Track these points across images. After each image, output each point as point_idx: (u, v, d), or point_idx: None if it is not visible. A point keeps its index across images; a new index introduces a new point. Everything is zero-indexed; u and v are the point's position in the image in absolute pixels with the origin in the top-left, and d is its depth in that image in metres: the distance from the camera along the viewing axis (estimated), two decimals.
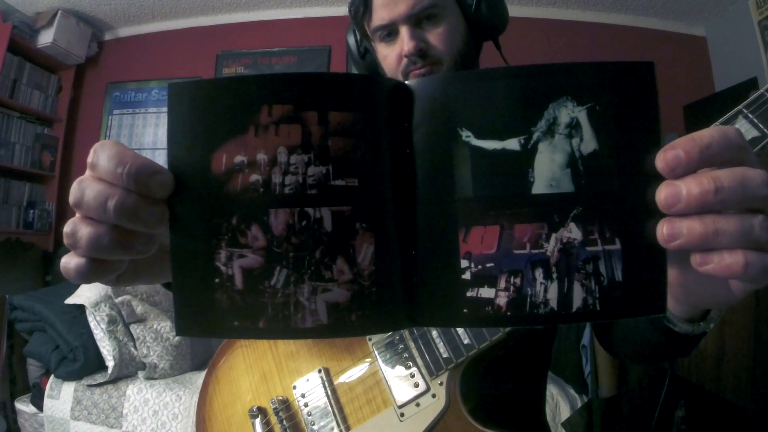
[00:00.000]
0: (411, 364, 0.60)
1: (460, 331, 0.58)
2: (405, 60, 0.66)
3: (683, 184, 0.25)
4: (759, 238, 0.25)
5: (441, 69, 0.68)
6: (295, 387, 0.65)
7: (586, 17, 2.78)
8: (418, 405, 0.58)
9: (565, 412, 1.80)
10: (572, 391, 1.89)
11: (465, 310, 0.27)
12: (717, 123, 0.44)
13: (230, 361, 0.70)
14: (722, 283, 0.28)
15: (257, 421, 0.63)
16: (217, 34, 2.94)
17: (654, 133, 0.26)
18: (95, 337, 1.92)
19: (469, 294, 0.26)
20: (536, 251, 0.26)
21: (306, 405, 0.63)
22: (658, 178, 0.25)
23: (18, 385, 2.11)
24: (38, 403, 1.95)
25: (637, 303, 0.26)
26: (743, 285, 0.28)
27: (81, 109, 3.04)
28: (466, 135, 0.27)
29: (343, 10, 2.85)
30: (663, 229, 0.25)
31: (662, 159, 0.25)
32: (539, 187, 0.26)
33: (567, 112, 0.26)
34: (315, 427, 0.62)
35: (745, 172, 0.25)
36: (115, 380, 1.91)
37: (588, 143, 0.26)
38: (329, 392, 0.62)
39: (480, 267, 0.26)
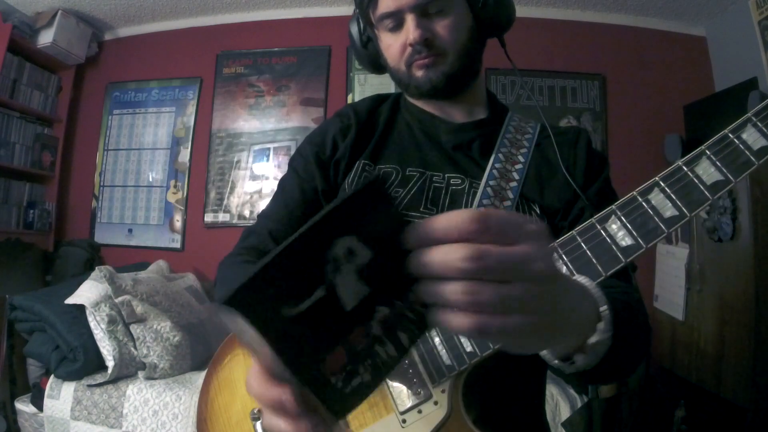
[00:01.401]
0: (413, 371, 0.59)
1: (463, 339, 0.58)
2: (409, 49, 0.66)
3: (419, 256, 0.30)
4: (487, 302, 0.28)
5: (445, 61, 0.67)
6: None
7: (586, 17, 2.78)
8: (420, 412, 0.58)
9: (565, 412, 1.80)
10: (572, 391, 1.89)
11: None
12: (705, 147, 0.45)
13: (232, 362, 0.70)
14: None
15: (259, 423, 0.63)
16: (217, 34, 2.94)
17: (401, 227, 0.30)
18: (95, 337, 1.92)
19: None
20: (369, 347, 0.31)
21: None
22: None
23: (18, 385, 2.11)
24: (38, 403, 1.95)
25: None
26: (510, 343, 0.33)
27: (81, 109, 3.04)
28: None
29: (343, 10, 2.86)
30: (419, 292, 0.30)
31: (408, 239, 0.30)
32: (350, 305, 0.29)
33: (343, 245, 0.29)
34: None
35: (462, 248, 0.29)
36: (115, 380, 1.91)
37: (365, 257, 0.29)
38: None
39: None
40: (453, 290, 0.29)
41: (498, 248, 0.29)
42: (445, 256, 0.29)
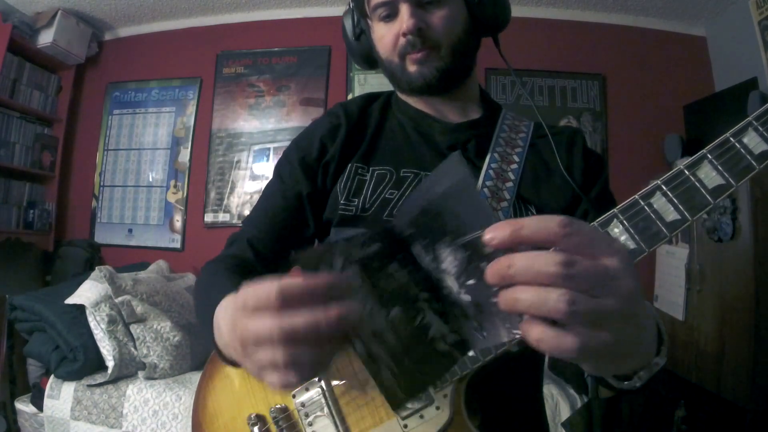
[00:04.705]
0: None
1: None
2: (403, 40, 0.66)
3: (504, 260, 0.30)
4: (553, 309, 0.28)
5: (438, 54, 0.67)
6: (294, 396, 0.63)
7: (586, 17, 2.78)
8: (422, 417, 0.57)
9: (565, 412, 1.80)
10: (572, 391, 1.89)
11: None
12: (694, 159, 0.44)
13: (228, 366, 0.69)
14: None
15: (256, 429, 0.62)
16: (217, 34, 2.94)
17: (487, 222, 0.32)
18: (95, 337, 1.92)
19: None
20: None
21: (307, 415, 0.61)
22: None
23: (18, 385, 2.11)
24: (38, 403, 1.95)
25: None
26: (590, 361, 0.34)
27: (81, 109, 3.04)
28: None
29: (343, 10, 2.84)
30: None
31: (491, 238, 0.31)
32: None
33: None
34: None
35: (534, 254, 0.29)
36: (115, 380, 1.91)
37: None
38: (330, 402, 0.60)
39: None
40: (551, 297, 0.28)
41: (590, 259, 0.29)
42: (533, 260, 0.28)
